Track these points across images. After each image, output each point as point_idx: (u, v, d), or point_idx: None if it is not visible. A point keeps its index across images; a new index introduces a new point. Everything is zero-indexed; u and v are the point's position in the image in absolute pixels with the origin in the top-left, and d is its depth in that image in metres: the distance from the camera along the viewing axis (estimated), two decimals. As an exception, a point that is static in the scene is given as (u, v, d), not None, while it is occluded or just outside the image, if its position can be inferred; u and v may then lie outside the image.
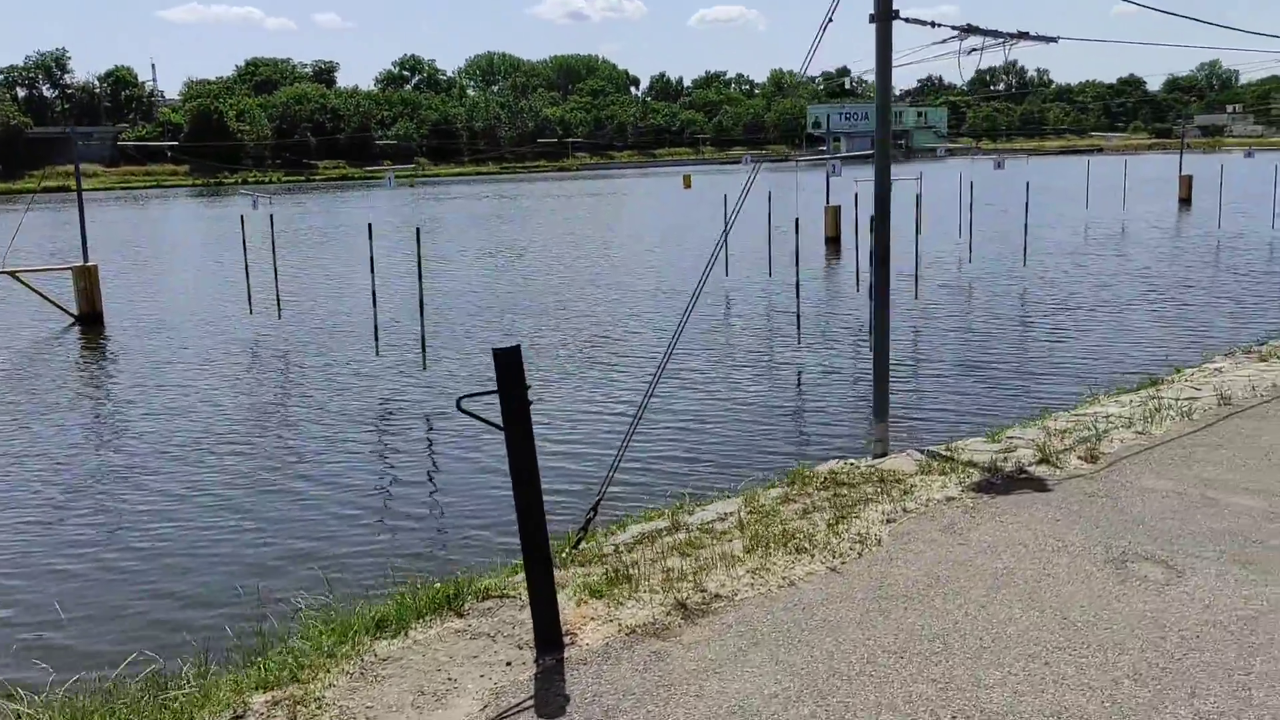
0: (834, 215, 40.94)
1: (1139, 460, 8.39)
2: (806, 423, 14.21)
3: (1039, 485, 7.88)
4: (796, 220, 21.81)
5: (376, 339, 19.92)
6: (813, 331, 21.25)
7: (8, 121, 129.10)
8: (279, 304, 24.53)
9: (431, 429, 15.09)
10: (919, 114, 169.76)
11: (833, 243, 39.76)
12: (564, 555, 7.12)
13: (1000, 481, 8.02)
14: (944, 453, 9.06)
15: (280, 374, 19.06)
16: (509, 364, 5.36)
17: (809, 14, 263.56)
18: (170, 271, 36.20)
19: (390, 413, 15.97)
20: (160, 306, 28.12)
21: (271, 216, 25.08)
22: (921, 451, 9.20)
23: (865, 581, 6.24)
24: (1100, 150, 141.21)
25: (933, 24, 9.91)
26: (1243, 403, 10.03)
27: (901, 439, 11.78)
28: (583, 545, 7.29)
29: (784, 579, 6.32)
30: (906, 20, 9.61)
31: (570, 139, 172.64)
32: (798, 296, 21.08)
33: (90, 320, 26.68)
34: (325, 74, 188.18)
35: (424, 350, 18.77)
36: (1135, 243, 36.27)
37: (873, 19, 9.24)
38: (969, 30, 10.31)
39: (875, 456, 9.66)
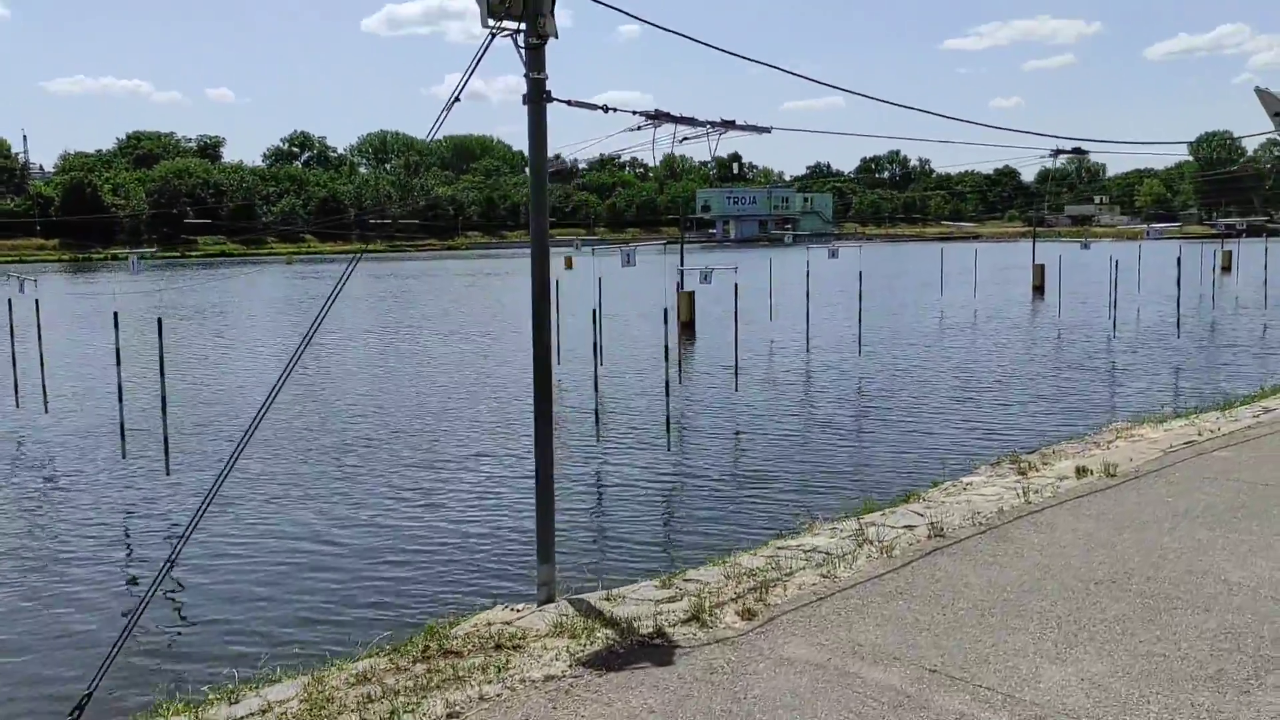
0: (688, 301, 40.37)
1: (801, 616, 7.16)
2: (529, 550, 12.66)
3: (664, 656, 6.56)
4: (594, 310, 20.68)
5: (123, 439, 18.03)
6: (622, 429, 19.97)
7: None
8: (45, 398, 22.34)
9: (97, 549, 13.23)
10: (805, 199, 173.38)
11: (687, 328, 38.97)
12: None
13: (624, 650, 6.68)
14: (598, 603, 7.72)
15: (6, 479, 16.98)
16: None
17: (707, 103, 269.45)
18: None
19: (75, 530, 14.06)
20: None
21: (37, 301, 22.99)
22: (574, 602, 7.85)
23: (350, 818, 4.78)
24: (977, 237, 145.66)
25: (605, 108, 8.83)
26: (956, 534, 8.94)
27: (598, 572, 10.42)
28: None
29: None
30: (569, 103, 8.52)
31: (461, 217, 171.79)
32: (596, 391, 19.85)
33: None
34: (211, 149, 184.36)
35: (167, 455, 16.91)
36: (977, 332, 36.22)
37: (525, 100, 8.10)
38: (659, 116, 9.28)
39: (540, 604, 8.29)
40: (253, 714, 6.09)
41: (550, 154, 8.80)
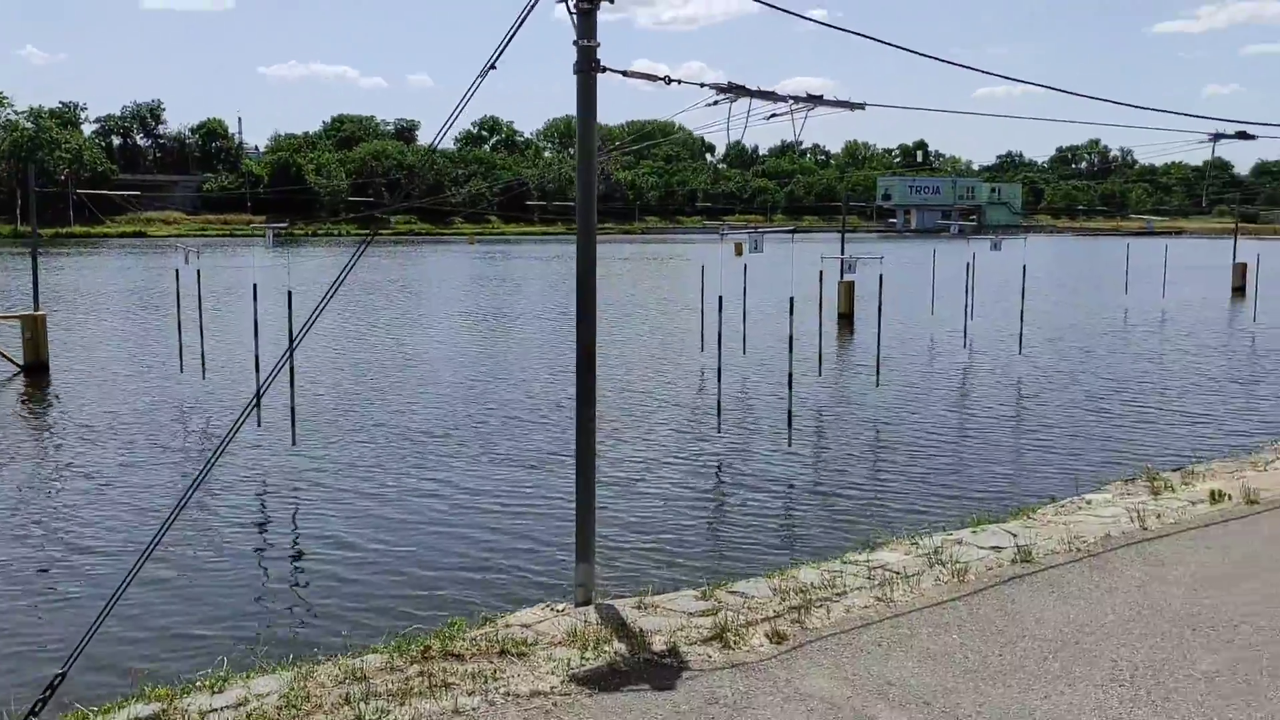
0: (848, 291, 39.17)
1: (837, 643, 6.42)
2: (621, 542, 12.20)
3: (668, 679, 5.96)
4: (720, 298, 19.97)
5: (258, 408, 18.59)
6: (748, 423, 19.34)
7: (95, 168, 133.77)
8: (204, 365, 23.42)
9: (212, 517, 13.54)
10: (993, 189, 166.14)
11: (845, 319, 37.81)
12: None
13: (628, 668, 6.13)
14: (626, 611, 7.18)
15: (150, 441, 17.78)
16: None
17: (888, 84, 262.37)
18: (141, 322, 35.79)
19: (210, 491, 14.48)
20: (103, 359, 27.35)
21: (198, 272, 24.11)
22: (603, 608, 7.32)
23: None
24: (1180, 233, 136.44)
25: (668, 79, 8.20)
26: (1046, 560, 7.94)
27: (660, 574, 9.84)
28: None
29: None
30: (624, 74, 7.95)
31: (640, 202, 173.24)
32: (719, 380, 19.19)
33: (36, 370, 25.91)
34: (407, 131, 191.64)
35: (294, 427, 17.32)
36: (1156, 335, 33.52)
37: (575, 70, 7.59)
38: (732, 90, 8.57)
39: (577, 605, 7.82)
40: (228, 706, 5.85)
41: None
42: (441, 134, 8.96)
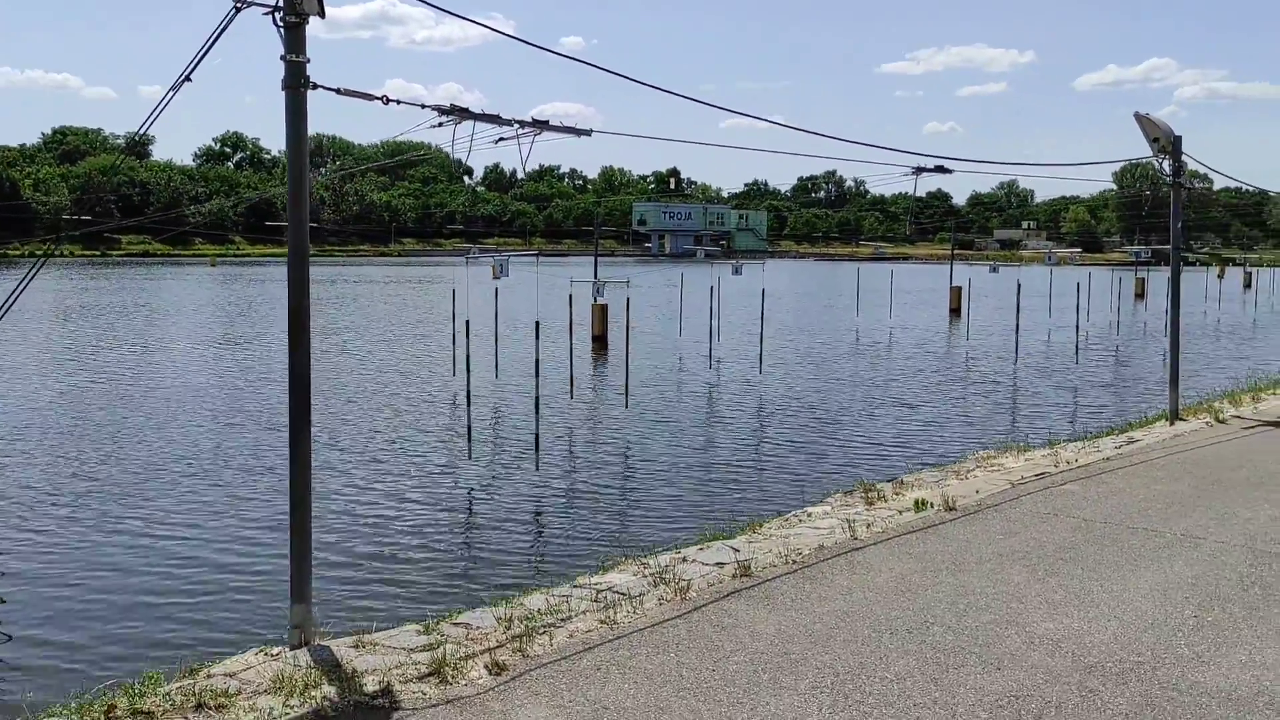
0: (601, 313, 39.78)
1: (556, 671, 6.37)
2: (330, 587, 11.76)
3: (376, 720, 5.73)
4: (468, 322, 19.79)
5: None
6: (496, 449, 19.13)
7: None
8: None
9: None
10: (740, 216, 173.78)
11: (599, 341, 38.29)
12: None
13: (334, 714, 5.84)
14: (342, 651, 6.86)
15: None
16: None
17: (643, 113, 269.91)
18: None
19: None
20: None
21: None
22: (318, 650, 6.97)
23: None
24: (908, 258, 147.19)
25: (385, 99, 8.01)
26: (764, 573, 8.23)
27: (389, 611, 9.55)
28: None
29: None
30: (338, 91, 7.69)
31: (395, 224, 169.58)
32: (469, 405, 18.95)
33: None
34: (139, 146, 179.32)
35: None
36: (884, 353, 35.95)
37: (283, 86, 7.26)
38: (455, 112, 8.47)
39: (293, 648, 7.40)
40: None
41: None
42: (136, 140, 8.35)
